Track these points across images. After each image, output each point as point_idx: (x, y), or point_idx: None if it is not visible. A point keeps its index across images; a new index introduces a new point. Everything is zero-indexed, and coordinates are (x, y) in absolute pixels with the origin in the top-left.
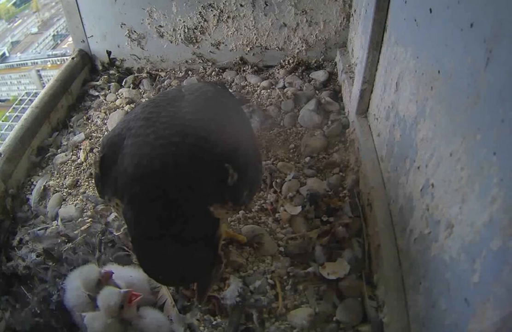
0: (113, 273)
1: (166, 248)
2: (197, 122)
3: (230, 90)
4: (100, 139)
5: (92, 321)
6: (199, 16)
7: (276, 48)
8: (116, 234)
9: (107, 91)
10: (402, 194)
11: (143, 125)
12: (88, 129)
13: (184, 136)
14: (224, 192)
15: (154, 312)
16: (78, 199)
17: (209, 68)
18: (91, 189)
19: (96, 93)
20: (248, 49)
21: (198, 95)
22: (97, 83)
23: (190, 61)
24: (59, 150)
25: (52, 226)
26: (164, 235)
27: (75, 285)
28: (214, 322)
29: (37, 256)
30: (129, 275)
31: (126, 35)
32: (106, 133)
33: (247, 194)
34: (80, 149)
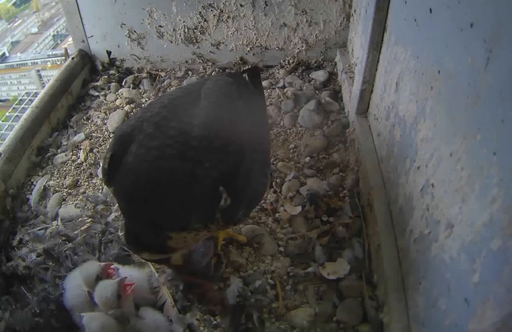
0: (118, 269)
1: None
2: (201, 142)
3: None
4: (101, 139)
5: (90, 321)
6: (199, 16)
7: (276, 48)
8: (120, 234)
9: (107, 91)
10: (402, 194)
11: (151, 134)
12: (88, 129)
13: (183, 159)
14: (215, 211)
15: (153, 313)
16: (78, 199)
17: (209, 68)
18: (91, 189)
19: (96, 93)
20: (248, 49)
21: (212, 101)
22: (97, 83)
23: (190, 61)
24: (59, 150)
25: (52, 226)
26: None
27: (75, 284)
28: (214, 322)
29: (37, 256)
30: (129, 275)
31: (126, 35)
32: (107, 132)
33: (243, 213)
34: (80, 149)
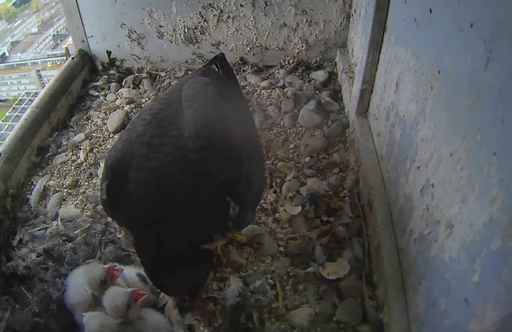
0: (122, 269)
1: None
2: (198, 154)
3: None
4: (101, 139)
5: (90, 320)
6: (199, 16)
7: (276, 48)
8: (119, 236)
9: (107, 91)
10: (402, 194)
11: (146, 155)
12: (88, 129)
13: (186, 173)
14: (227, 221)
15: (154, 314)
16: (78, 199)
17: None
18: (91, 189)
19: (96, 93)
20: (248, 49)
21: (196, 109)
22: (97, 83)
23: (190, 61)
24: (59, 150)
25: (52, 226)
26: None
27: (78, 282)
28: (215, 323)
29: (37, 256)
30: (130, 275)
31: (126, 35)
32: (107, 132)
33: (251, 214)
34: (80, 149)
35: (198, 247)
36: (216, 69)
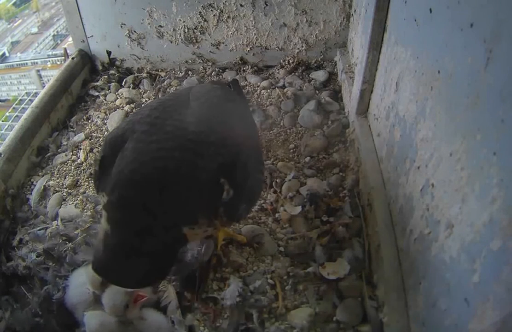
0: None
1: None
2: (198, 136)
3: (241, 87)
4: (101, 139)
5: (91, 319)
6: (199, 16)
7: (276, 48)
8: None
9: (107, 91)
10: (402, 194)
11: (146, 131)
12: (88, 129)
13: (184, 151)
14: (219, 207)
15: (155, 313)
16: (78, 199)
17: (209, 68)
18: (91, 189)
19: (96, 93)
20: (248, 49)
21: (203, 102)
22: (97, 83)
23: (190, 61)
24: (59, 150)
25: (52, 226)
26: (131, 252)
27: (79, 282)
28: (216, 324)
29: (37, 256)
30: None
31: (126, 35)
32: (107, 132)
33: (244, 208)
34: (80, 149)
35: (178, 229)
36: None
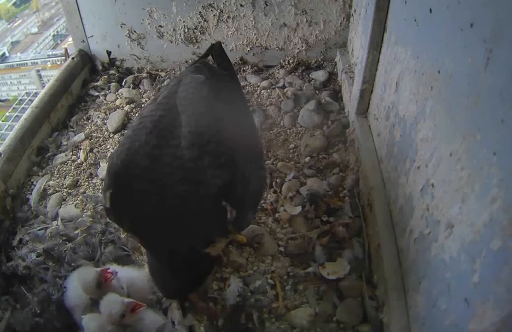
0: (117, 272)
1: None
2: (195, 163)
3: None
4: (101, 139)
5: (89, 322)
6: (199, 16)
7: (276, 48)
8: (121, 236)
9: (107, 91)
10: (402, 194)
11: (148, 167)
12: (88, 129)
13: (185, 183)
14: (227, 225)
15: (153, 314)
16: (78, 199)
17: None
18: (91, 189)
19: (96, 93)
20: (248, 49)
21: (190, 115)
22: (97, 83)
23: (190, 61)
24: (59, 150)
25: (52, 226)
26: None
27: (75, 285)
28: (217, 323)
29: (37, 256)
30: (130, 275)
31: (126, 35)
32: (107, 132)
33: (252, 213)
34: (80, 149)
35: (201, 251)
36: (212, 60)
